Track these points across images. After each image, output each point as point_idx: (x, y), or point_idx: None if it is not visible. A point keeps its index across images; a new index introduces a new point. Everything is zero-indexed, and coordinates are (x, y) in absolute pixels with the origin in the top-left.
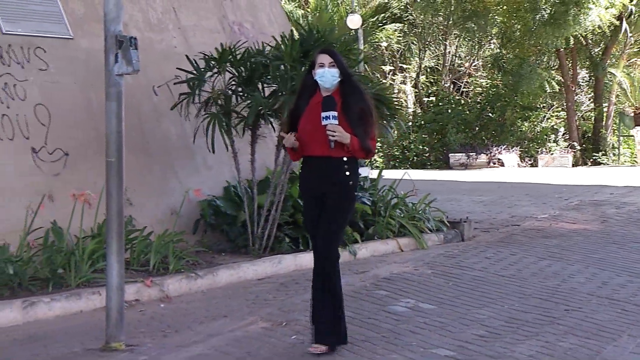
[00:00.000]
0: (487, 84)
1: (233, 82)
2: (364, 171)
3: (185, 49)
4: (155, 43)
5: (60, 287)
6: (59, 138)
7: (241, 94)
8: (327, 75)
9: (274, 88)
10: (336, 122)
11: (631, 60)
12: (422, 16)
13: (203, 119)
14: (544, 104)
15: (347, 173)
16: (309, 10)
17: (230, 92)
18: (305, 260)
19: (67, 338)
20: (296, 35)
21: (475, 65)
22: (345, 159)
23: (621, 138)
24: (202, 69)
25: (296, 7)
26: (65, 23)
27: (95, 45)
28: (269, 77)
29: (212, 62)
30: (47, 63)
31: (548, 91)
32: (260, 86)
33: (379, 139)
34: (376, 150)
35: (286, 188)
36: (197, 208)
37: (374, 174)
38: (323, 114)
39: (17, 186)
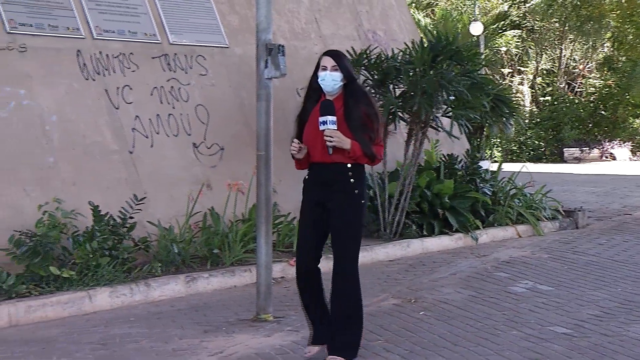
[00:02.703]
0: (600, 84)
1: (366, 85)
2: (485, 164)
3: None
4: (299, 50)
5: (217, 264)
6: (216, 134)
7: (374, 94)
8: (327, 79)
9: (402, 89)
10: (334, 127)
11: None
12: (539, 22)
13: None
14: None
15: (352, 180)
16: (434, 18)
17: None
18: (431, 244)
19: (223, 309)
20: (425, 41)
21: (589, 68)
22: (349, 165)
23: None
24: None
25: (424, 15)
26: (222, 34)
27: (248, 53)
28: (399, 79)
29: None
30: (206, 69)
31: None
32: (391, 87)
33: (499, 135)
34: (382, 157)
35: (414, 179)
36: None
37: (494, 167)
38: (320, 119)
39: (180, 176)
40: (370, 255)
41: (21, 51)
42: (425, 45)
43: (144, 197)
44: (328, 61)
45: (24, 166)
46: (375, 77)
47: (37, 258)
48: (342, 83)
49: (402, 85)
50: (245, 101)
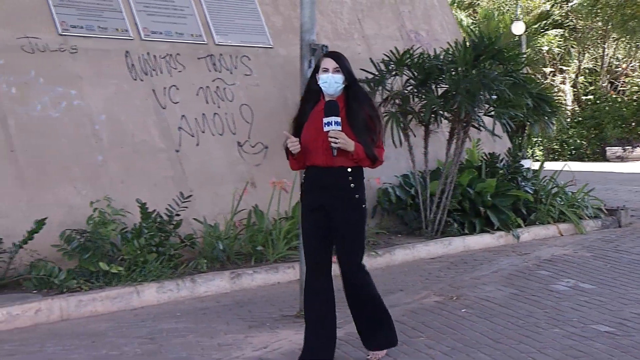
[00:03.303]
0: None
1: (409, 84)
2: (526, 163)
3: (368, 55)
4: (342, 50)
5: (261, 261)
6: (260, 133)
7: (416, 94)
8: (330, 81)
9: (444, 89)
10: (339, 128)
11: None
12: (582, 22)
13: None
14: None
15: (352, 185)
16: (476, 18)
17: (406, 92)
18: (472, 242)
19: (267, 305)
20: (467, 41)
21: (632, 66)
22: (349, 169)
23: None
24: (383, 71)
25: (466, 15)
26: (266, 34)
27: (291, 53)
28: (441, 79)
29: (392, 65)
30: (251, 69)
31: None
32: (433, 87)
33: (540, 134)
34: (383, 160)
35: (455, 178)
36: (375, 194)
37: (535, 165)
38: (325, 120)
39: (225, 175)
40: (412, 252)
41: (72, 52)
42: (468, 45)
43: (190, 195)
44: (329, 63)
45: (75, 164)
46: (418, 76)
47: (87, 254)
48: (343, 85)
49: (444, 85)
50: (289, 101)
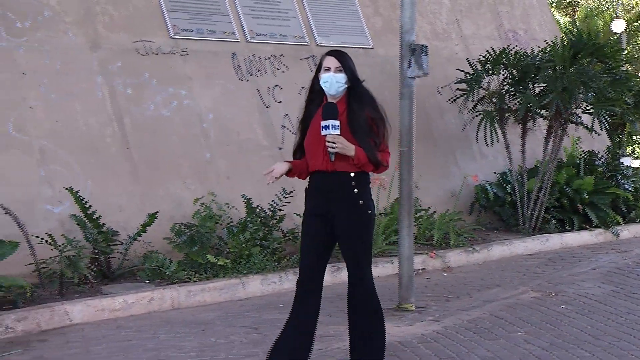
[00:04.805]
0: None
1: (506, 83)
2: (626, 161)
3: (465, 54)
4: (440, 50)
5: None
6: None
7: (513, 92)
8: (331, 81)
9: (541, 87)
10: (337, 131)
11: None
12: None
13: (476, 114)
14: None
15: (356, 190)
16: (574, 16)
17: (503, 91)
18: (570, 239)
19: None
20: (564, 39)
21: None
22: (352, 174)
23: None
24: (479, 71)
25: (564, 14)
26: (367, 35)
27: (390, 53)
28: (538, 77)
29: (488, 64)
30: None
31: None
32: (530, 86)
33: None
34: (388, 164)
35: (553, 175)
36: (472, 191)
37: (635, 163)
38: (323, 123)
39: None
40: (509, 248)
41: (183, 55)
42: (566, 42)
43: (292, 191)
44: (332, 62)
45: (185, 161)
46: (514, 75)
47: (196, 247)
48: (346, 85)
49: (541, 84)
50: (387, 100)
